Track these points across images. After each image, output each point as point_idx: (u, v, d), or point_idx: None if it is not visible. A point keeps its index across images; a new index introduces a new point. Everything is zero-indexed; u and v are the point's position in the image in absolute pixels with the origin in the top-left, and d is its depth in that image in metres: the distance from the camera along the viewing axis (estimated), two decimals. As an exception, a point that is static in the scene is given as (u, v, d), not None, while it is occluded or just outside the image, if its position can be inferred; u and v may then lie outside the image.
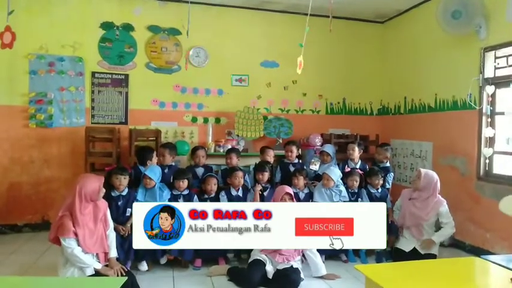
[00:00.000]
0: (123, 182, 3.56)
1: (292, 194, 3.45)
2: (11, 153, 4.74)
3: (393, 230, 4.05)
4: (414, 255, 3.65)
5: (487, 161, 4.18)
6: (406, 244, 3.86)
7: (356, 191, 4.31)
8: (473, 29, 4.10)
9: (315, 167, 4.54)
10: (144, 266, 3.61)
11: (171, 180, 3.97)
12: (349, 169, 4.44)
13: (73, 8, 4.91)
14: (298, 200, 4.00)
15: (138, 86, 5.16)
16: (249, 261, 3.43)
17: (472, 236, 4.25)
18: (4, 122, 4.70)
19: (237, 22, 5.50)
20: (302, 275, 3.37)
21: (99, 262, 2.93)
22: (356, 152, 4.66)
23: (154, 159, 4.19)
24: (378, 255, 4.06)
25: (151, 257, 3.64)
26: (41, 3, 4.80)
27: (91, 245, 2.87)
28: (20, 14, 4.65)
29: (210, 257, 3.76)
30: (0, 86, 4.68)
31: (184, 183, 3.88)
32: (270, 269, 3.32)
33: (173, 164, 4.36)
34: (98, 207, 2.98)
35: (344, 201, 4.17)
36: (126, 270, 3.04)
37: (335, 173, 4.18)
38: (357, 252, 4.12)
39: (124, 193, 3.61)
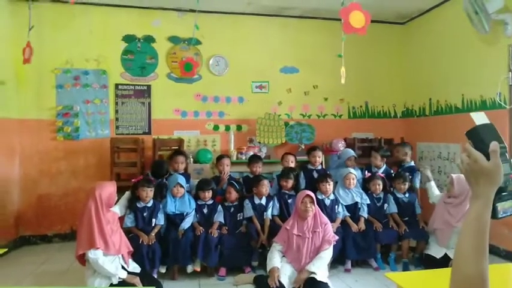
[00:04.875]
0: (149, 194, 3.62)
1: (313, 197, 3.36)
2: (40, 166, 4.89)
3: (423, 236, 3.94)
4: (446, 261, 3.53)
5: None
6: (436, 250, 3.74)
7: (381, 196, 4.22)
8: (495, 28, 3.95)
9: None
10: (163, 268, 3.67)
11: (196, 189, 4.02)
12: (369, 174, 4.35)
13: (96, 22, 5.05)
14: (324, 206, 3.94)
15: (160, 96, 5.24)
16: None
17: (508, 241, 4.07)
18: (33, 136, 4.85)
19: (256, 29, 5.52)
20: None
21: (125, 263, 3.03)
22: (378, 160, 4.55)
23: (182, 164, 4.26)
24: (405, 264, 3.95)
25: (178, 263, 3.67)
26: (65, 19, 4.95)
27: (117, 243, 2.96)
28: (45, 31, 4.84)
29: (234, 265, 3.75)
30: (29, 100, 4.85)
31: (209, 194, 3.91)
32: (290, 274, 3.24)
33: (183, 172, 4.41)
34: (112, 216, 3.09)
35: (367, 204, 4.12)
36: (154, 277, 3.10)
37: (358, 174, 4.24)
38: (385, 259, 4.02)
39: (149, 204, 3.66)
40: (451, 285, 0.86)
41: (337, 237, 3.46)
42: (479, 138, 0.92)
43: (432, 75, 5.33)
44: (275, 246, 3.38)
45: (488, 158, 0.87)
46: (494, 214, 0.89)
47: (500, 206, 0.91)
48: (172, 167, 4.30)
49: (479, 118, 0.97)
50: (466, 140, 0.93)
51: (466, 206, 3.60)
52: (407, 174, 4.29)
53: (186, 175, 4.35)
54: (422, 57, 5.54)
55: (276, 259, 3.28)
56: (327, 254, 3.28)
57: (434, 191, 4.12)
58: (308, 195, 3.33)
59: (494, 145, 0.87)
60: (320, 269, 3.18)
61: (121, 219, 3.46)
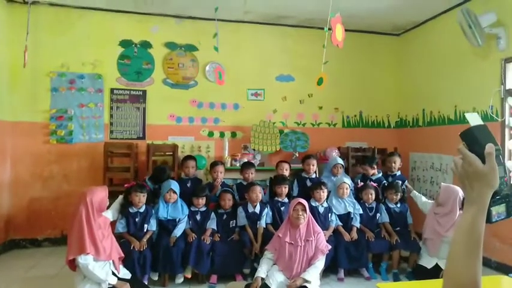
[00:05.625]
0: (142, 199, 3.60)
1: (306, 205, 3.35)
2: (32, 169, 4.85)
3: (415, 247, 3.95)
4: (437, 272, 3.54)
5: (511, 174, 4.05)
6: (427, 260, 3.75)
7: (373, 205, 4.24)
8: (488, 41, 4.02)
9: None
10: (155, 275, 3.64)
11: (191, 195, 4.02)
12: (361, 184, 4.37)
13: (93, 26, 5.05)
14: (318, 214, 3.94)
15: (156, 102, 5.23)
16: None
17: (498, 253, 4.09)
18: (26, 138, 4.81)
19: (253, 37, 5.55)
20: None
21: (116, 269, 3.02)
22: (369, 171, 4.64)
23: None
24: (395, 275, 3.96)
25: (168, 272, 3.64)
26: (62, 22, 4.95)
27: (108, 248, 2.94)
28: (42, 34, 4.83)
29: (226, 273, 3.73)
30: (23, 103, 4.82)
31: (203, 201, 3.91)
32: (281, 281, 3.23)
33: (195, 176, 4.43)
34: (103, 221, 3.08)
35: (360, 214, 4.13)
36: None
37: (350, 183, 4.26)
38: (377, 268, 4.02)
39: (141, 210, 3.64)
40: None
41: (330, 247, 3.45)
42: (474, 139, 0.88)
43: (426, 86, 5.38)
44: (266, 255, 3.37)
45: (483, 160, 0.84)
46: (488, 218, 0.87)
47: (494, 210, 0.88)
48: (183, 172, 4.36)
49: (474, 119, 0.94)
50: (460, 141, 0.90)
51: (455, 216, 3.63)
52: (399, 183, 4.33)
53: (198, 180, 4.37)
54: (417, 68, 5.60)
55: (262, 269, 3.25)
56: (320, 263, 3.28)
57: (420, 198, 4.18)
58: (300, 203, 3.33)
59: (490, 147, 0.83)
60: (313, 277, 3.18)
61: (113, 224, 3.44)
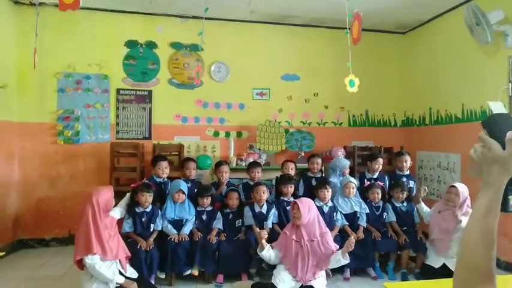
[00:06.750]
0: (148, 199, 3.61)
1: (300, 204, 3.31)
2: (40, 169, 4.88)
3: (421, 248, 3.91)
4: (444, 271, 3.51)
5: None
6: (435, 260, 3.73)
7: (380, 204, 4.21)
8: (495, 39, 3.98)
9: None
10: (162, 274, 3.65)
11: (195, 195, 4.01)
12: (368, 183, 4.35)
13: (99, 27, 5.08)
14: (323, 213, 3.93)
15: (161, 102, 5.25)
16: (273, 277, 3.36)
17: (507, 252, 4.05)
18: (34, 139, 4.85)
19: (258, 36, 5.54)
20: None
21: (123, 268, 3.04)
22: (379, 164, 4.59)
23: (166, 168, 4.21)
24: (403, 274, 3.93)
25: (175, 270, 3.65)
26: (68, 23, 4.98)
27: (115, 248, 2.96)
28: (48, 35, 4.86)
29: (232, 272, 3.73)
30: (30, 104, 4.86)
31: (208, 200, 3.92)
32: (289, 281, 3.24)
33: (195, 178, 4.41)
34: (110, 221, 3.10)
35: (366, 213, 4.11)
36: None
37: (356, 183, 4.23)
38: (384, 268, 4.00)
39: (148, 209, 3.65)
40: (455, 278, 0.84)
41: (338, 246, 3.43)
42: (496, 126, 0.89)
43: (432, 84, 5.34)
44: (273, 251, 3.39)
45: (504, 147, 0.85)
46: (505, 207, 0.87)
47: (511, 199, 0.89)
48: (182, 174, 4.35)
49: (497, 107, 0.94)
50: (481, 129, 0.90)
51: (461, 212, 3.61)
52: (405, 182, 4.30)
53: (196, 182, 4.37)
54: (423, 66, 5.56)
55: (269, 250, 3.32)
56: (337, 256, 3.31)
57: (423, 210, 4.11)
58: (295, 203, 3.35)
59: (511, 134, 0.84)
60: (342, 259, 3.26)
61: (119, 223, 3.45)
